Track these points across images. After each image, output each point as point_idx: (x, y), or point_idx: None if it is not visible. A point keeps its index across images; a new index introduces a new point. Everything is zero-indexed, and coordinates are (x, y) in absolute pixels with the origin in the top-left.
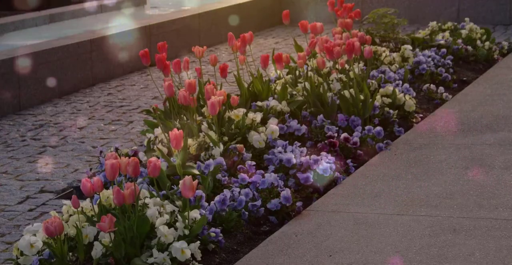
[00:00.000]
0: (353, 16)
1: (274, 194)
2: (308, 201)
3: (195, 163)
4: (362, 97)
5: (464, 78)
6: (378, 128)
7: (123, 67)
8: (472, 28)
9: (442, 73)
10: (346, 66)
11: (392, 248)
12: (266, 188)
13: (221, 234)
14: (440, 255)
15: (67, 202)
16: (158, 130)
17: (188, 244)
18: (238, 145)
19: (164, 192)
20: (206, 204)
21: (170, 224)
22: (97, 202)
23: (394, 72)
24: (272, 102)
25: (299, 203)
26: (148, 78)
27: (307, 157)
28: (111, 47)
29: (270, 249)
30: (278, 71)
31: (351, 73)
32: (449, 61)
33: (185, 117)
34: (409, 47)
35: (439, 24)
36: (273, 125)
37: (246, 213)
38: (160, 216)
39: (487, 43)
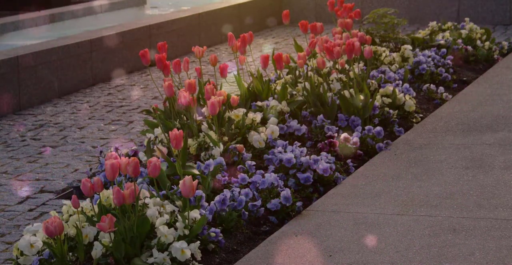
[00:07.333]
0: (353, 16)
1: (274, 194)
2: (308, 201)
3: (195, 163)
4: (362, 97)
5: (464, 78)
6: (378, 128)
7: (123, 67)
8: (472, 28)
9: (442, 73)
10: (346, 66)
11: (392, 248)
12: (266, 188)
13: (221, 234)
14: (440, 255)
15: (67, 202)
16: (158, 130)
17: (188, 244)
18: (238, 145)
19: (164, 192)
20: (206, 204)
21: (170, 224)
22: (97, 202)
23: (394, 72)
24: (272, 102)
25: (299, 203)
26: (148, 78)
27: (307, 157)
28: (111, 47)
29: (270, 249)
30: (278, 71)
31: (351, 73)
32: (449, 61)
33: (185, 117)
34: (409, 47)
35: (439, 24)
36: (273, 125)
37: (246, 213)
38: (160, 216)
39: (487, 43)
